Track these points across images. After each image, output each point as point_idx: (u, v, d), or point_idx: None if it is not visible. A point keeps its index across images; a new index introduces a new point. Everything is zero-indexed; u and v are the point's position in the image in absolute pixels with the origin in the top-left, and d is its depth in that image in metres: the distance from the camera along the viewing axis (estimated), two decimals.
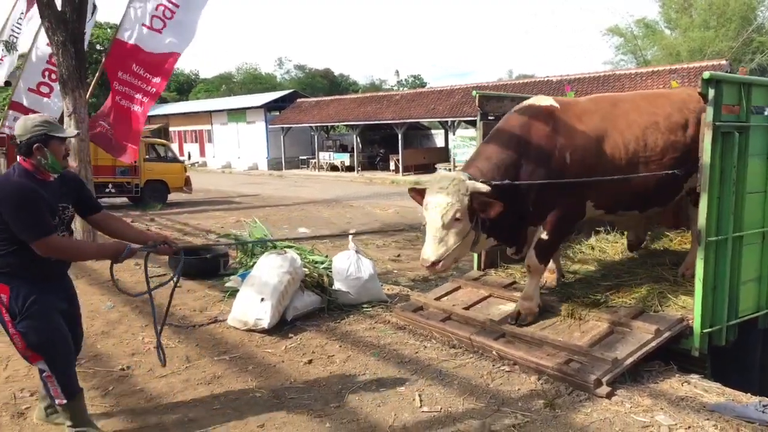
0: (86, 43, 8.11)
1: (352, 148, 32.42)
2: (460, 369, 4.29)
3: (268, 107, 36.87)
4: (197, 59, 71.41)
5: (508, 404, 3.73)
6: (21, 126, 3.06)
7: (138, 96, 8.14)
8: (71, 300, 3.33)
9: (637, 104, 4.85)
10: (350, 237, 6.11)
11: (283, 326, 5.16)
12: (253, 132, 37.27)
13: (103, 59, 8.24)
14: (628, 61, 38.50)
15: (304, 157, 35.80)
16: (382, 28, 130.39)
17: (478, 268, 5.98)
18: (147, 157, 17.70)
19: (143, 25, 8.12)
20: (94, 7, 8.77)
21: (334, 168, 32.52)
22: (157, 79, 8.05)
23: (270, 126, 35.79)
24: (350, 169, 31.48)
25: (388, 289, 6.43)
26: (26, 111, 11.33)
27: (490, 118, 5.87)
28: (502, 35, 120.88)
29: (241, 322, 5.09)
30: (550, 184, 4.41)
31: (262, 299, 5.06)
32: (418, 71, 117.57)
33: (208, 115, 40.23)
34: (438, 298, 5.44)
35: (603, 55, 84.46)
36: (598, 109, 4.76)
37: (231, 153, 38.69)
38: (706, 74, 3.99)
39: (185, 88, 65.71)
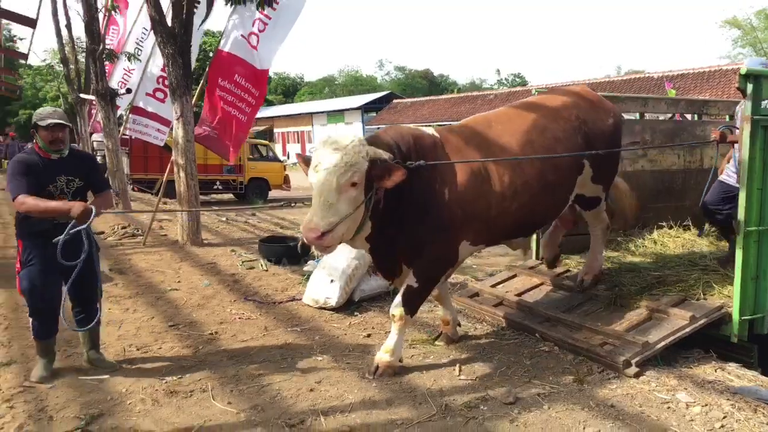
0: (196, 54, 9.11)
1: None
2: (503, 348, 4.67)
3: (366, 108, 38.07)
4: (302, 63, 74.68)
5: (540, 378, 4.09)
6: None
7: (241, 105, 9.02)
8: (54, 255, 3.73)
9: (508, 124, 4.47)
10: None
11: (350, 306, 5.76)
12: (350, 132, 38.57)
13: (208, 67, 9.21)
14: (746, 54, 36.32)
15: None
16: (483, 26, 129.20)
17: (537, 257, 6.28)
18: (250, 156, 19.15)
19: (242, 36, 9.01)
20: (202, 21, 9.78)
21: None
22: (256, 91, 8.92)
23: (366, 126, 36.92)
24: None
25: (453, 278, 6.85)
26: (145, 114, 12.76)
27: None
28: (610, 30, 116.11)
29: (314, 300, 5.73)
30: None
31: (332, 281, 5.68)
32: (520, 70, 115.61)
33: (309, 117, 42.13)
34: (493, 285, 5.82)
35: (720, 49, 79.32)
36: (472, 137, 4.32)
37: None
38: (743, 69, 4.13)
39: (290, 91, 68.83)
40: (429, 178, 3.92)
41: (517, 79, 71.29)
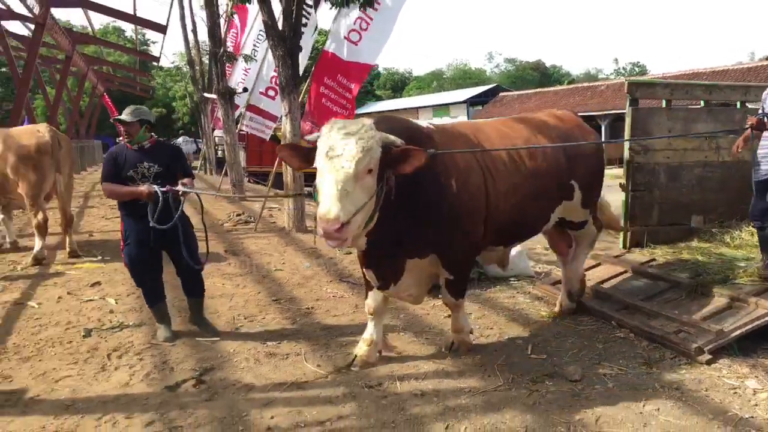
0: (308, 55, 9.82)
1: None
2: (578, 332, 4.84)
3: (471, 102, 38.01)
4: (411, 58, 75.42)
5: (610, 360, 4.25)
6: None
7: (342, 102, 9.65)
8: (160, 235, 4.52)
9: (497, 129, 4.54)
10: None
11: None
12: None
13: (313, 67, 9.91)
14: None
15: None
16: (600, 12, 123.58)
17: (623, 246, 6.31)
18: None
19: (345, 37, 9.60)
20: (316, 26, 10.52)
21: None
22: (353, 86, 9.50)
23: (471, 120, 36.85)
24: None
25: (540, 268, 7.02)
26: (259, 112, 13.78)
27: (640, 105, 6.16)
28: (743, 13, 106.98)
29: None
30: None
31: None
32: (639, 58, 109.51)
33: (414, 111, 42.66)
34: None
35: None
36: (462, 135, 4.25)
37: None
38: None
39: (399, 86, 69.80)
40: (436, 167, 3.76)
41: (636, 68, 67.81)
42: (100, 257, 7.89)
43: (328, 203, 3.19)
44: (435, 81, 69.29)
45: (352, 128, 3.37)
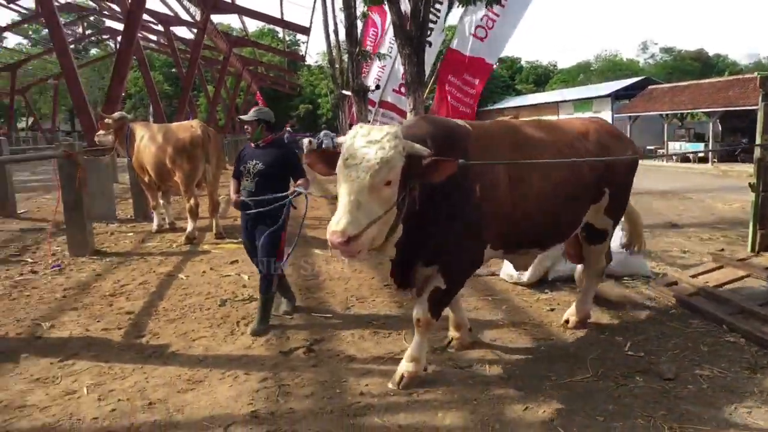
0: (435, 53, 10.20)
1: (709, 137, 29.61)
2: (685, 334, 4.72)
3: (617, 95, 36.11)
4: (556, 51, 72.83)
5: (711, 363, 4.14)
6: None
7: (467, 99, 9.90)
8: (250, 225, 5.03)
9: (537, 132, 4.36)
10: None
11: (542, 284, 6.18)
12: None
13: (438, 64, 10.24)
14: None
15: (651, 147, 34.04)
16: None
17: (752, 250, 5.94)
18: None
19: (471, 34, 9.82)
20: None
21: (685, 159, 30.23)
22: (477, 81, 9.70)
23: (616, 115, 35.05)
24: (704, 160, 28.87)
25: (659, 268, 6.78)
26: (391, 107, 14.38)
27: None
28: None
29: (508, 275, 6.29)
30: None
31: None
32: None
33: (554, 106, 41.36)
34: (694, 276, 5.73)
35: None
36: (502, 135, 4.18)
37: None
38: None
39: (542, 80, 67.75)
40: (462, 174, 3.53)
41: None
42: (239, 239, 8.82)
43: (338, 215, 3.07)
44: (582, 74, 66.36)
45: (375, 136, 3.22)
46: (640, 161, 4.86)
